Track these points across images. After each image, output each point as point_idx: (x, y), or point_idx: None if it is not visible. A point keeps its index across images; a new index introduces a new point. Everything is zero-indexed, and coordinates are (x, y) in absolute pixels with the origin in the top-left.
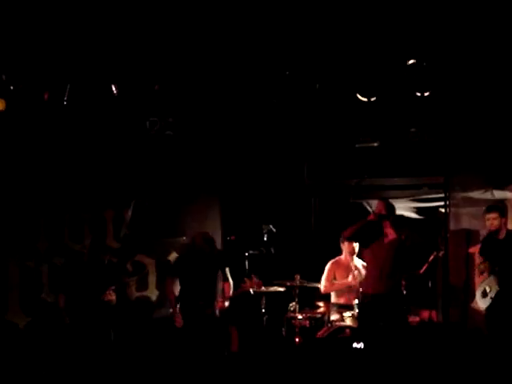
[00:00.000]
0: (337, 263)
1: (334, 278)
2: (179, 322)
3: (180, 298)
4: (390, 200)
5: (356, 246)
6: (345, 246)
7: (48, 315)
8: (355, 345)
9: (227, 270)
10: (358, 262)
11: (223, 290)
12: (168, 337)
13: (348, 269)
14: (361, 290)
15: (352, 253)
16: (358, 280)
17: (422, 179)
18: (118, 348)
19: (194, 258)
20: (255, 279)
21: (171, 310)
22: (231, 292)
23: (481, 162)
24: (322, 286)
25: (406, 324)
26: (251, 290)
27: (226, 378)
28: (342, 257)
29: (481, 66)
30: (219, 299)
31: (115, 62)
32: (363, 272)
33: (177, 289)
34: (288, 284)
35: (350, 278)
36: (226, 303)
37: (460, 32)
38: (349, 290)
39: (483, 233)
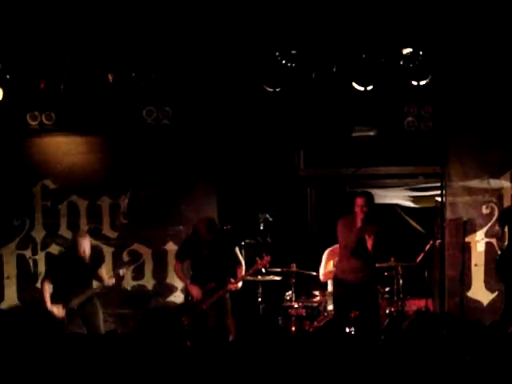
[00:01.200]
0: (333, 252)
1: (333, 267)
2: (197, 292)
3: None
4: (385, 189)
5: None
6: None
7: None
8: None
9: (237, 250)
10: None
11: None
12: (165, 326)
13: None
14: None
15: None
16: None
17: (419, 168)
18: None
19: (199, 243)
20: (267, 258)
21: (184, 285)
22: (243, 272)
23: (477, 151)
24: (321, 274)
25: (377, 315)
26: (263, 270)
27: (222, 367)
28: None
29: (476, 55)
30: (231, 281)
31: (112, 50)
32: None
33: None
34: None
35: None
36: (239, 284)
37: (456, 20)
38: None
39: (480, 222)
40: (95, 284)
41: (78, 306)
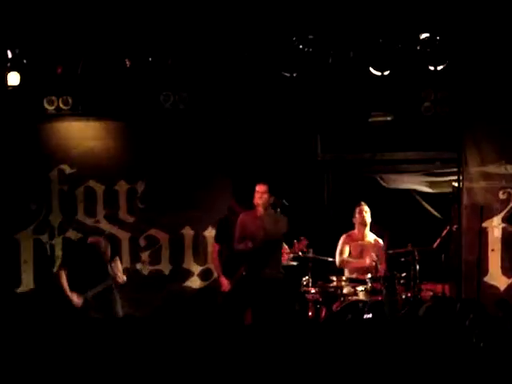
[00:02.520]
0: (350, 237)
1: (350, 253)
2: (225, 285)
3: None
4: (402, 174)
5: (367, 216)
6: (355, 218)
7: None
8: (366, 316)
9: None
10: (372, 237)
11: None
12: (181, 310)
13: (362, 245)
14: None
15: (362, 224)
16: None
17: (436, 153)
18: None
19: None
20: (304, 242)
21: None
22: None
23: (494, 136)
24: (337, 260)
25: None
26: (300, 253)
27: (238, 351)
28: (355, 230)
29: (494, 40)
30: None
31: (129, 35)
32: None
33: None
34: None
35: (368, 260)
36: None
37: (473, 5)
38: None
39: (497, 207)
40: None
41: (93, 297)
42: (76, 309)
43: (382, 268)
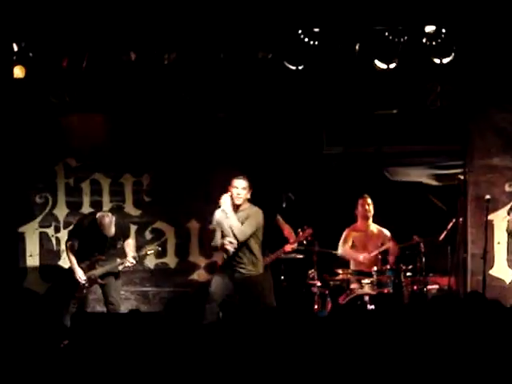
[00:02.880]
0: (354, 229)
1: (353, 244)
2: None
3: None
4: (408, 167)
5: (369, 208)
6: (358, 211)
7: (66, 282)
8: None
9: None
10: (375, 228)
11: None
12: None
13: (366, 236)
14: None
15: (365, 216)
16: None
17: (441, 146)
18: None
19: None
20: (308, 230)
21: None
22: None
23: (500, 128)
24: (339, 248)
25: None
26: (304, 241)
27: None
28: (358, 223)
29: (499, 32)
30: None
31: (134, 28)
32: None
33: None
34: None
35: (362, 257)
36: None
37: None
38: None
39: (503, 199)
40: (118, 260)
41: (99, 276)
42: (78, 284)
43: (392, 259)
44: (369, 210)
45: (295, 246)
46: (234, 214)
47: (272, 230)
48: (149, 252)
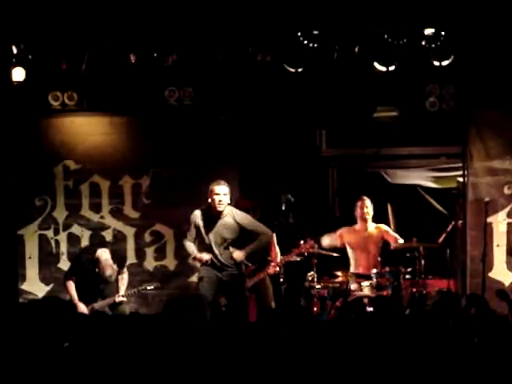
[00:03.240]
0: (348, 231)
1: (350, 245)
2: None
3: None
4: (407, 169)
5: (368, 210)
6: (357, 213)
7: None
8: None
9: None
10: (373, 228)
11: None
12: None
13: (365, 238)
14: None
15: (363, 218)
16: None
17: (441, 149)
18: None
19: None
20: (310, 242)
21: None
22: (279, 255)
23: (499, 131)
24: (325, 237)
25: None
26: (305, 253)
27: (243, 347)
28: (357, 225)
29: (499, 34)
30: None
31: (133, 30)
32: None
33: None
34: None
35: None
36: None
37: (478, 1)
38: (367, 259)
39: (502, 202)
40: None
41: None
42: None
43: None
44: (367, 211)
45: (277, 269)
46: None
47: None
48: (149, 288)
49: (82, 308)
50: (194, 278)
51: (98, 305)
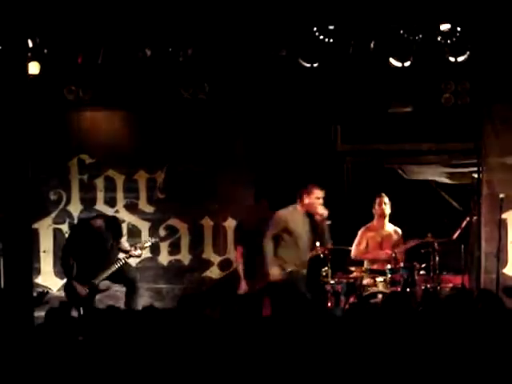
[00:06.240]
0: (369, 229)
1: (367, 245)
2: (244, 288)
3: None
4: (422, 165)
5: (386, 208)
6: (375, 210)
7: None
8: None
9: None
10: (391, 227)
11: None
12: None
13: (382, 236)
14: None
15: (382, 215)
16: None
17: (456, 145)
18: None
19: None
20: (328, 245)
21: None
22: None
23: None
24: (353, 251)
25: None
26: (321, 255)
27: (256, 342)
28: (374, 222)
29: None
30: None
31: (149, 24)
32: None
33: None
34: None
35: (383, 255)
36: None
37: None
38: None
39: None
40: (122, 255)
41: (99, 284)
42: (82, 297)
43: (400, 257)
44: (385, 208)
45: None
46: None
47: None
48: (146, 245)
49: (80, 289)
50: (209, 273)
51: (98, 279)
